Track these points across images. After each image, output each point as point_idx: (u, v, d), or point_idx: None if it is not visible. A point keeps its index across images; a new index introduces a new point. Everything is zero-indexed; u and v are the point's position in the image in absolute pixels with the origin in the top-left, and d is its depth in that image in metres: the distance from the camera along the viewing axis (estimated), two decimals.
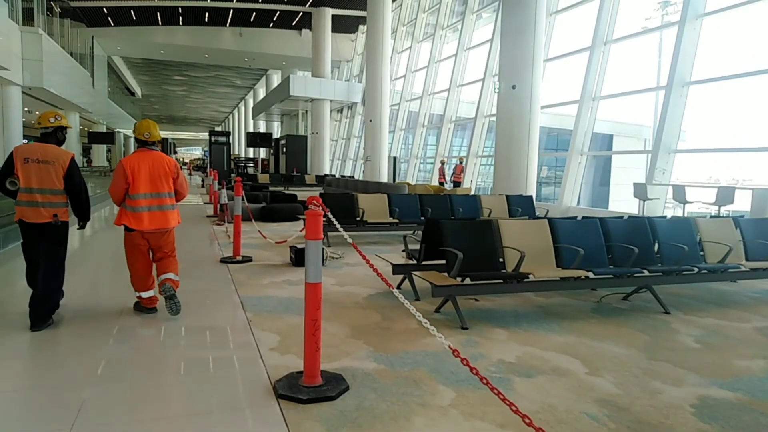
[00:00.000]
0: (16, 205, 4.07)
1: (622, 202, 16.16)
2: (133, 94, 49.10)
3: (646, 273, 5.00)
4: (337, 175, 28.84)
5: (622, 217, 5.84)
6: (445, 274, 4.73)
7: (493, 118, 18.77)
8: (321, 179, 26.29)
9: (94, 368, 3.35)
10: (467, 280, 4.56)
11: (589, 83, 14.42)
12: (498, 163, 14.10)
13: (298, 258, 6.63)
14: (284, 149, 32.72)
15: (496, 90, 13.78)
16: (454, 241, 4.65)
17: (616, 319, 4.74)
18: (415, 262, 5.28)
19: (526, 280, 4.58)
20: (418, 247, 5.53)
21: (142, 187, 4.27)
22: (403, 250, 5.68)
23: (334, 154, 33.58)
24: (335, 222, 3.39)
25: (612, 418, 2.81)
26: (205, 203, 16.01)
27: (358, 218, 8.83)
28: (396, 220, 8.91)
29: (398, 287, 5.59)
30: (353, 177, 27.28)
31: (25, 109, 25.47)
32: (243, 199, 7.03)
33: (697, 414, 2.88)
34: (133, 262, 4.42)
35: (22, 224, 4.08)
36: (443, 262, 5.06)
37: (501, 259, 4.86)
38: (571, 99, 15.81)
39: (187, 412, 2.81)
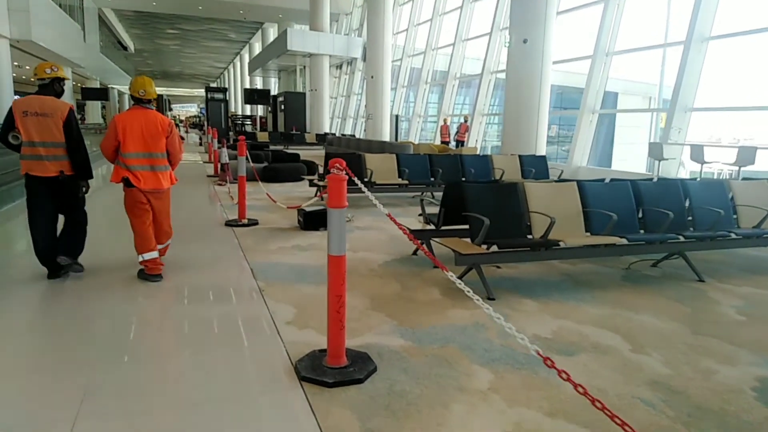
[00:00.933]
0: (21, 159, 4.02)
1: (625, 161, 15.83)
2: (125, 48, 47.57)
3: (681, 239, 4.70)
4: (338, 134, 28.22)
5: (651, 179, 5.51)
6: (468, 240, 4.44)
7: (500, 75, 18.14)
8: (321, 138, 25.71)
9: (97, 346, 3.08)
10: (493, 248, 4.27)
11: (603, 38, 13.79)
12: (507, 122, 13.62)
13: (306, 221, 6.31)
14: (282, 107, 31.88)
15: (507, 44, 13.17)
16: (478, 205, 4.32)
17: (649, 287, 4.48)
18: (433, 227, 4.97)
19: (556, 247, 4.28)
20: (434, 210, 5.22)
21: (133, 146, 4.15)
22: (420, 215, 5.37)
23: (333, 112, 32.81)
24: (364, 189, 3.09)
25: (668, 404, 2.56)
26: (204, 162, 15.58)
27: (366, 179, 8.47)
28: (406, 182, 8.56)
29: (414, 254, 5.30)
30: (354, 136, 26.69)
31: (15, 63, 24.62)
32: (247, 159, 6.65)
33: (760, 399, 2.64)
34: (134, 220, 4.28)
35: (28, 177, 4.04)
36: (464, 227, 4.77)
37: (528, 224, 4.56)
38: (580, 54, 15.21)
39: (202, 398, 2.54)
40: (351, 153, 10.40)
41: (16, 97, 25.37)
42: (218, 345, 3.14)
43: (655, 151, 11.18)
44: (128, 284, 4.20)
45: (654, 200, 5.04)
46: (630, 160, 16.21)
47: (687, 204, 5.22)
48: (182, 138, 4.54)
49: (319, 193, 7.84)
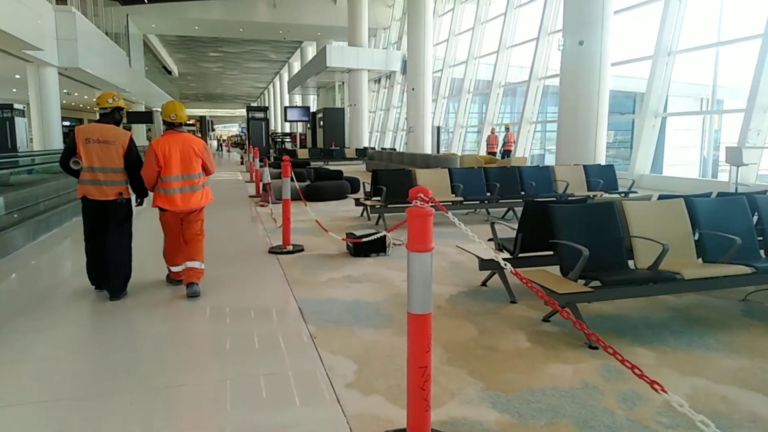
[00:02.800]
0: (79, 184, 4.23)
1: (676, 167, 14.68)
2: (169, 72, 48.90)
3: None
4: (377, 148, 27.78)
5: (765, 192, 4.65)
6: (550, 269, 3.72)
7: (549, 81, 17.28)
8: (362, 153, 25.28)
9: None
10: (591, 283, 3.53)
11: (665, 36, 12.80)
12: (562, 129, 12.76)
13: (357, 248, 5.71)
14: (321, 123, 31.74)
15: (560, 47, 12.35)
16: (569, 231, 3.60)
17: None
18: (509, 255, 4.25)
19: (669, 281, 3.49)
20: (498, 232, 4.52)
21: (174, 169, 4.29)
22: (490, 239, 4.66)
23: (372, 126, 32.44)
24: (459, 224, 2.41)
25: None
26: (246, 182, 15.32)
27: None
28: (460, 198, 7.86)
29: (484, 285, 4.60)
30: (395, 149, 26.16)
31: (64, 90, 25.34)
32: (292, 179, 6.14)
33: None
34: (167, 237, 4.54)
35: (85, 201, 4.24)
36: (546, 254, 4.06)
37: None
38: (634, 56, 14.24)
39: None
40: (400, 169, 9.77)
41: (65, 123, 26.04)
42: (265, 418, 2.52)
43: (734, 156, 10.08)
44: (169, 313, 3.70)
45: None
46: (681, 165, 15.07)
47: None
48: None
49: (387, 223, 7.22)
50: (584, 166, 8.76)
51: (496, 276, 4.46)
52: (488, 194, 8.17)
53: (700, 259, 3.91)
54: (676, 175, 13.10)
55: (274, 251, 5.99)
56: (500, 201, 8.04)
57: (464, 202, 7.92)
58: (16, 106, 19.96)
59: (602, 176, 8.53)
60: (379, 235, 4.85)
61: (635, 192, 8.42)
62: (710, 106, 13.56)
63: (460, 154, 20.15)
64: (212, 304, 4.26)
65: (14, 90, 27.23)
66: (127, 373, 3.01)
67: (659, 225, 3.84)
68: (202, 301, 4.33)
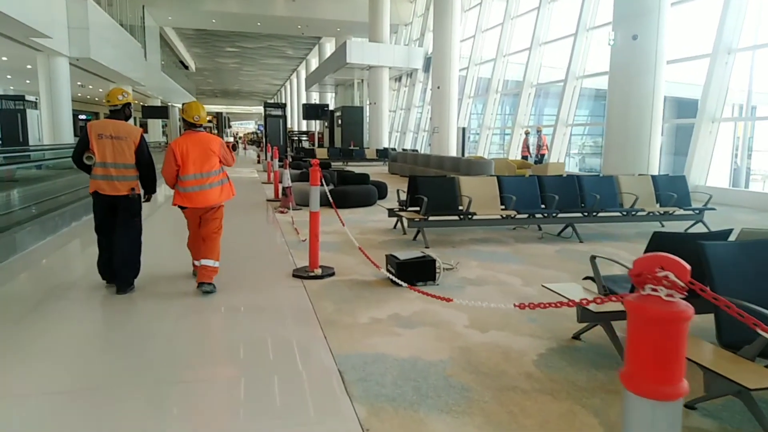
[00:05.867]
0: (91, 179, 4.25)
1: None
2: (186, 67, 48.25)
3: None
4: (397, 149, 26.70)
5: None
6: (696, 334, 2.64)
7: (587, 81, 16.12)
8: (383, 153, 24.23)
9: None
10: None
11: (725, 33, 11.58)
12: (610, 133, 11.60)
13: (401, 274, 4.63)
14: (339, 121, 30.72)
15: (611, 42, 11.20)
16: (731, 282, 2.51)
17: None
18: (616, 303, 3.17)
19: None
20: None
21: (191, 168, 4.38)
22: (586, 278, 3.59)
23: (392, 126, 31.39)
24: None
25: None
26: (263, 183, 14.35)
27: (461, 207, 6.77)
28: (513, 212, 6.76)
29: (577, 337, 3.52)
30: (417, 150, 25.09)
31: (78, 83, 24.63)
32: (323, 183, 5.10)
33: None
34: (190, 232, 4.74)
35: (97, 196, 4.28)
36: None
37: None
38: (681, 54, 13.00)
39: None
40: (441, 176, 8.68)
41: (83, 117, 25.32)
42: None
43: None
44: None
45: None
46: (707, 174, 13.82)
47: None
48: (236, 147, 3.94)
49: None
50: (652, 177, 7.61)
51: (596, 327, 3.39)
52: (542, 207, 7.07)
53: None
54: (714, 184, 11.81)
55: (299, 275, 4.95)
56: (558, 216, 6.94)
57: (516, 217, 6.82)
58: (28, 97, 19.24)
59: (674, 189, 7.37)
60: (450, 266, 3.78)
61: (713, 209, 7.27)
62: (745, 112, 12.39)
63: (487, 157, 19.04)
64: (221, 350, 3.25)
65: (27, 81, 26.61)
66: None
67: None
68: (209, 343, 3.33)
